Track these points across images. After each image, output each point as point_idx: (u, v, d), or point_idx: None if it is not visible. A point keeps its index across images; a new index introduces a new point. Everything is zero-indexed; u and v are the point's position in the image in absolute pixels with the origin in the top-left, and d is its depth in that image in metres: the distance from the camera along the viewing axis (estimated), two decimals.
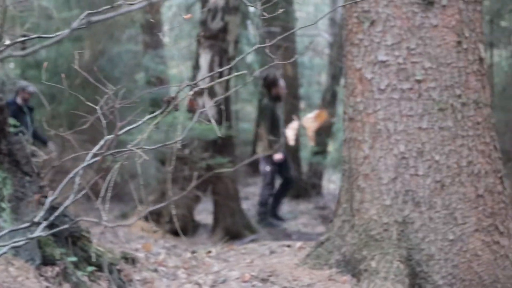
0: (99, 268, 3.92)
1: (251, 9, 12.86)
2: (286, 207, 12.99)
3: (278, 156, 10.19)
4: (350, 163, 4.29)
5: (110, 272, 3.89)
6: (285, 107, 13.96)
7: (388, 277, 3.86)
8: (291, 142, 10.18)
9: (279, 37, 3.26)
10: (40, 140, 9.87)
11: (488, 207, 4.13)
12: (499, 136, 10.77)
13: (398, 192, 4.06)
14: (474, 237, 4.08)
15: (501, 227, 4.17)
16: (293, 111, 13.80)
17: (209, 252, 5.36)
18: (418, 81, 4.03)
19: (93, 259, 3.89)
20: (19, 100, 9.57)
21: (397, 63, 4.05)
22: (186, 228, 9.62)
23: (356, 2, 4.08)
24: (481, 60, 4.18)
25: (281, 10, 3.19)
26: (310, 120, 9.60)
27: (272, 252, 4.85)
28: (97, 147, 2.39)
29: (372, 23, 4.10)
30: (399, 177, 4.06)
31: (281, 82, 10.63)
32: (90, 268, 3.88)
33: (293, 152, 14.08)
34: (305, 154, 14.96)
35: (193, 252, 5.46)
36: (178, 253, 5.90)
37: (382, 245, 4.01)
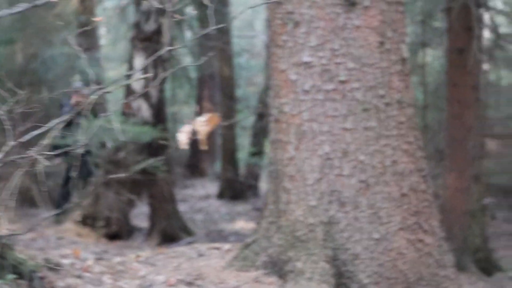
0: (20, 276, 3.87)
1: (187, 10, 12.84)
2: (223, 208, 13.06)
3: None
4: (276, 164, 4.35)
5: (31, 280, 3.84)
6: (221, 108, 14.04)
7: (314, 278, 3.94)
8: (183, 146, 10.10)
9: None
10: None
11: (412, 205, 4.25)
12: (433, 135, 11.08)
13: (323, 193, 4.13)
14: (398, 236, 4.19)
15: (425, 225, 4.30)
16: (229, 113, 13.88)
17: (139, 256, 5.35)
18: (342, 82, 4.11)
19: (14, 267, 3.84)
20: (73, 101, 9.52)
21: (321, 64, 4.13)
22: (121, 232, 9.58)
23: (279, 3, 4.15)
24: (403, 60, 4.29)
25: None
26: (202, 123, 9.55)
27: (200, 255, 4.87)
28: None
29: (296, 24, 4.16)
30: (324, 177, 4.14)
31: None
32: (10, 276, 3.82)
33: (230, 153, 14.17)
34: (242, 155, 15.04)
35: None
36: (107, 258, 5.87)
37: (308, 245, 4.08)
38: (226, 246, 5.11)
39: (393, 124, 4.20)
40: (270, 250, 4.27)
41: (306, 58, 4.14)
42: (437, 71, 11.64)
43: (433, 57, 12.51)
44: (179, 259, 4.84)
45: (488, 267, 8.48)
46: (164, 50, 5.60)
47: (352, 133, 4.13)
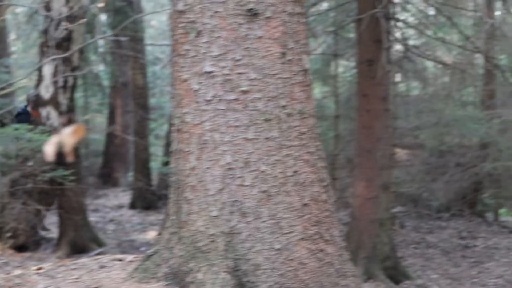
0: None
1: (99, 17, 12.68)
2: (135, 218, 12.93)
3: None
4: (177, 174, 4.33)
5: None
6: (135, 117, 13.90)
7: None
8: (50, 158, 9.99)
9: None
10: None
11: (314, 215, 4.30)
12: (345, 144, 11.27)
13: (225, 203, 4.13)
14: (300, 246, 4.23)
15: (326, 235, 4.35)
16: (142, 122, 13.76)
17: (40, 268, 5.22)
18: (244, 92, 4.12)
19: None
20: (30, 109, 9.38)
21: (223, 74, 4.13)
22: (29, 243, 9.37)
23: (181, 12, 4.14)
24: (305, 71, 4.34)
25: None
26: (68, 135, 9.50)
27: (101, 267, 4.79)
28: None
29: (198, 33, 4.15)
30: (226, 187, 4.14)
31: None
32: None
33: (142, 162, 14.03)
34: (155, 165, 14.93)
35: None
36: (7, 270, 5.71)
37: (209, 256, 4.07)
38: (129, 257, 5.05)
39: (295, 134, 4.24)
40: (171, 261, 4.24)
41: (208, 68, 4.13)
42: (349, 82, 11.88)
43: (345, 68, 12.77)
44: (80, 271, 4.75)
45: (396, 275, 8.66)
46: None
47: (253, 143, 4.14)
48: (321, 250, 4.31)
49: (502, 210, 14.29)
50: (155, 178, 14.84)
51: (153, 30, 18.42)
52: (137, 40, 13.16)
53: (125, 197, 15.08)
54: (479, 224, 12.96)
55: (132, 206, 13.93)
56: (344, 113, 11.31)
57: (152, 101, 16.33)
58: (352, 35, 11.17)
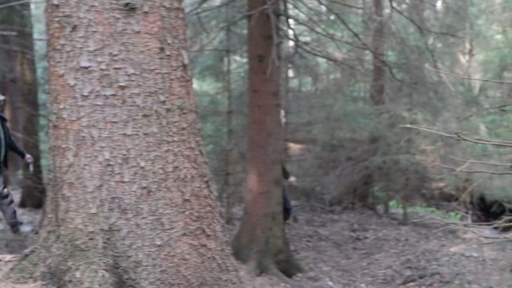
0: None
1: None
2: (25, 217, 12.57)
3: (293, 179, 9.77)
4: (55, 172, 4.25)
5: None
6: (23, 114, 13.51)
7: (92, 287, 3.88)
8: None
9: None
10: (17, 152, 9.11)
11: (195, 211, 4.32)
12: (238, 139, 11.32)
13: (104, 200, 4.09)
14: (181, 241, 4.24)
15: (208, 230, 4.38)
16: (31, 118, 13.40)
17: None
18: (122, 88, 4.09)
19: None
20: None
21: (100, 69, 4.08)
22: None
23: (57, 6, 4.06)
24: (184, 66, 4.35)
25: None
26: None
27: None
28: None
29: (74, 28, 4.08)
30: (105, 184, 4.10)
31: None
32: None
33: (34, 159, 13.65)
34: (46, 162, 14.53)
35: None
36: None
37: (87, 254, 4.02)
38: (7, 257, 4.92)
39: (175, 130, 4.25)
40: (49, 260, 4.16)
41: (84, 63, 4.08)
42: (242, 78, 11.95)
43: (238, 63, 12.83)
44: None
45: (289, 268, 8.77)
46: None
47: (132, 139, 4.12)
48: (203, 246, 4.34)
49: (391, 203, 14.73)
50: (46, 176, 14.48)
51: (42, 25, 17.89)
52: (25, 35, 12.79)
53: (15, 196, 14.63)
54: (370, 217, 13.31)
55: (22, 204, 13.53)
56: (237, 109, 11.37)
57: (43, 97, 15.86)
58: (245, 31, 11.23)
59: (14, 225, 9.25)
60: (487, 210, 14.63)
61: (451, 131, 10.71)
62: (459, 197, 14.36)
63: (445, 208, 15.45)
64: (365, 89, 14.32)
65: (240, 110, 11.16)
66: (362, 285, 8.62)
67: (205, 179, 4.42)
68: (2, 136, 8.49)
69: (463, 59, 17.68)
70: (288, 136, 12.74)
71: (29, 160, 9.09)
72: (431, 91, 11.42)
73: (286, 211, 9.43)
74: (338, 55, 11.93)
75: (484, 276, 8.51)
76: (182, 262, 4.22)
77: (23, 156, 9.10)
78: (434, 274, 8.90)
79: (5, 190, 8.64)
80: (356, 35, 9.60)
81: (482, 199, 14.91)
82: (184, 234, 4.25)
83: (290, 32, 10.25)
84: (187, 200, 4.28)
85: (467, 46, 17.99)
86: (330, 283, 8.54)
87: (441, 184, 15.24)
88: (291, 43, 10.61)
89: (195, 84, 16.59)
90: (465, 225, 5.62)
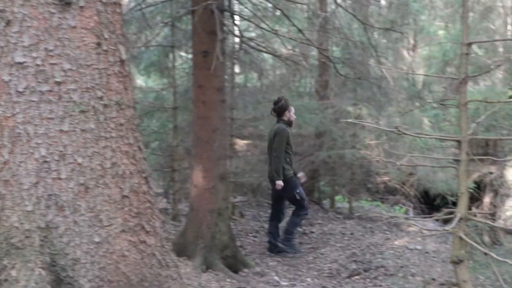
0: None
1: None
2: None
3: (302, 174, 10.06)
4: None
5: None
6: None
7: (29, 286, 3.84)
8: None
9: None
10: None
11: (134, 207, 4.31)
12: (183, 135, 11.26)
13: (40, 197, 4.06)
14: (120, 238, 4.22)
15: (147, 226, 4.37)
16: None
17: None
18: (58, 83, 4.06)
19: None
20: None
21: (35, 64, 4.04)
22: None
23: None
24: (122, 61, 4.33)
25: None
26: None
27: None
28: None
29: (8, 23, 4.03)
30: (41, 181, 4.06)
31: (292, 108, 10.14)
32: None
33: None
34: None
35: None
36: None
37: (24, 252, 3.97)
38: None
39: (112, 125, 4.23)
40: None
41: (19, 59, 4.03)
42: (187, 73, 11.90)
43: (183, 59, 12.77)
44: None
45: (235, 264, 8.76)
46: None
47: (69, 136, 4.09)
48: (142, 242, 4.33)
49: (337, 197, 14.85)
50: None
51: None
52: None
53: None
54: (316, 211, 13.38)
55: None
56: (183, 105, 11.32)
57: None
58: (189, 26, 11.18)
59: None
60: (431, 203, 14.89)
61: (394, 125, 10.88)
62: (403, 190, 14.57)
63: (390, 202, 15.65)
64: (311, 85, 14.39)
65: (185, 106, 11.12)
66: (308, 279, 8.69)
67: (143, 175, 4.41)
68: None
69: (407, 54, 17.97)
70: (234, 132, 12.72)
71: None
72: (375, 86, 11.55)
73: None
74: (284, 50, 11.97)
75: (427, 268, 8.65)
76: (121, 259, 4.21)
77: None
78: (379, 267, 9.01)
79: None
80: (300, 30, 9.65)
81: (426, 192, 15.16)
82: (123, 231, 4.23)
83: (234, 28, 10.25)
84: (126, 196, 4.27)
85: (411, 41, 18.31)
86: (276, 278, 8.58)
87: (386, 178, 15.42)
88: (237, 39, 10.59)
89: (140, 80, 16.50)
90: (406, 218, 5.74)
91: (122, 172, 4.25)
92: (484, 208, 15.11)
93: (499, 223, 13.74)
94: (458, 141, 5.08)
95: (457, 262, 5.04)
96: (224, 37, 8.87)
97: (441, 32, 18.51)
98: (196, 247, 8.37)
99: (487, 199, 15.29)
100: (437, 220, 8.80)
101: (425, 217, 7.32)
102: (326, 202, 14.47)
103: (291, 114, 10.07)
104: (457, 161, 5.34)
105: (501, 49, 16.49)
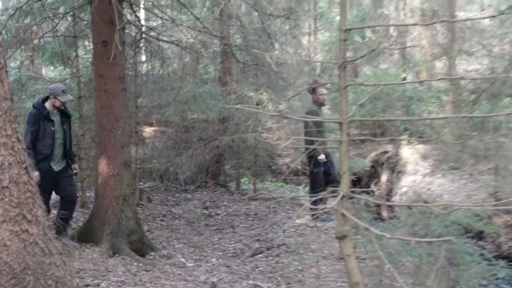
0: None
1: None
2: None
3: (322, 157, 9.98)
4: None
5: None
6: None
7: None
8: None
9: None
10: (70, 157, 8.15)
11: (15, 197, 4.21)
12: (88, 124, 11.06)
13: None
14: (1, 228, 4.13)
15: (29, 215, 4.28)
16: None
17: None
18: None
19: None
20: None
21: None
22: None
23: None
24: None
25: None
26: None
27: None
28: None
29: None
30: None
31: (322, 89, 10.06)
32: None
33: None
34: None
35: None
36: None
37: None
38: None
39: None
40: None
41: None
42: (91, 63, 11.71)
43: (87, 49, 12.55)
44: None
45: (142, 248, 8.74)
46: None
47: None
48: (24, 231, 4.24)
49: (243, 179, 14.95)
50: None
51: None
52: None
53: None
54: (222, 194, 13.46)
55: None
56: (87, 94, 11.14)
57: None
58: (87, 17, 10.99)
59: None
60: (329, 182, 15.14)
61: (293, 110, 10.97)
62: (304, 171, 14.76)
63: (294, 183, 15.87)
64: (214, 72, 14.40)
65: (90, 96, 10.94)
66: (213, 259, 8.73)
67: (23, 165, 4.31)
68: (60, 136, 7.97)
69: (307, 40, 18.20)
70: (141, 119, 12.63)
71: (74, 171, 8.39)
72: (274, 72, 11.63)
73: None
74: (188, 39, 11.91)
75: (326, 245, 8.83)
76: (3, 248, 4.11)
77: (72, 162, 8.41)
78: (281, 245, 9.15)
79: None
80: (198, 19, 9.62)
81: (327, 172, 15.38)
82: (4, 221, 4.13)
83: (137, 17, 10.12)
84: (6, 187, 4.17)
85: (311, 28, 18.55)
86: (182, 259, 8.59)
87: (288, 160, 15.62)
88: (136, 28, 10.44)
89: (44, 70, 16.13)
90: (291, 198, 5.81)
91: (1, 163, 4.14)
92: (382, 185, 15.52)
93: (396, 199, 14.15)
94: (340, 123, 5.15)
95: (341, 238, 5.12)
96: (123, 27, 8.77)
97: (338, 18, 18.80)
98: (102, 233, 8.30)
99: (384, 177, 15.69)
100: (327, 198, 9.00)
101: (312, 196, 7.43)
102: (231, 185, 14.55)
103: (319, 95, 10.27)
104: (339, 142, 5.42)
105: (395, 34, 16.92)
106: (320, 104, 10.36)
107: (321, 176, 10.35)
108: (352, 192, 5.21)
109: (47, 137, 7.81)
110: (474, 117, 6.50)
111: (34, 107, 7.90)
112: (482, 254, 5.32)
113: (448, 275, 5.21)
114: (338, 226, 5.17)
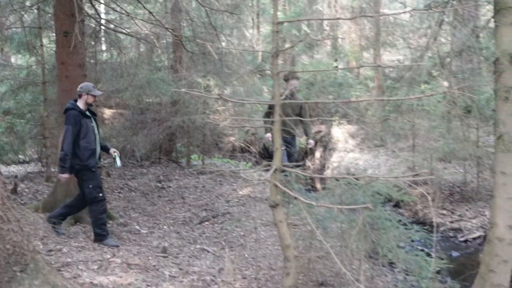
0: None
1: None
2: None
3: (268, 135, 8.94)
4: None
5: None
6: None
7: None
8: None
9: None
10: (103, 148, 7.63)
11: None
12: (52, 106, 10.90)
13: None
14: None
15: None
16: None
17: None
18: None
19: None
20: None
21: None
22: None
23: None
24: None
25: None
26: None
27: None
28: None
29: None
30: None
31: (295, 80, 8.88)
32: None
33: None
34: None
35: None
36: None
37: None
38: None
39: None
40: None
41: None
42: (55, 51, 11.59)
43: (51, 39, 12.41)
44: None
45: None
46: None
47: None
48: None
49: (193, 156, 15.02)
50: None
51: None
52: None
53: None
54: (174, 169, 13.50)
55: None
56: (52, 80, 11.05)
57: None
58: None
59: None
60: (271, 157, 15.36)
61: (237, 94, 11.03)
62: (248, 148, 14.94)
63: (239, 159, 16.02)
64: (167, 60, 14.38)
65: (54, 81, 10.86)
66: (165, 227, 8.80)
67: None
68: (97, 131, 7.49)
69: (250, 33, 18.30)
70: (101, 102, 12.56)
71: (115, 154, 7.74)
72: (219, 60, 11.72)
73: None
74: (143, 31, 11.90)
75: (265, 213, 8.99)
76: None
77: (107, 151, 7.78)
78: (225, 214, 9.28)
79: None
80: (151, 13, 9.61)
81: (266, 149, 15.65)
82: None
83: (96, 10, 10.04)
84: None
85: (254, 22, 18.64)
86: (137, 227, 8.64)
87: (232, 139, 15.75)
88: (95, 20, 10.37)
89: (13, 58, 15.85)
90: (231, 171, 5.90)
91: None
92: (316, 161, 15.77)
93: (328, 172, 14.42)
94: (273, 105, 5.27)
95: (274, 206, 5.24)
96: (83, 19, 8.72)
97: (279, 14, 18.93)
98: (65, 204, 8.25)
99: (318, 153, 15.95)
100: (266, 171, 9.11)
101: (249, 169, 7.58)
102: (182, 161, 14.60)
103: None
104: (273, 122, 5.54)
105: (327, 28, 17.14)
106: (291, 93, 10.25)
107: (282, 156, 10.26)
108: (284, 165, 5.34)
109: (90, 133, 7.30)
110: (390, 100, 6.68)
111: (71, 108, 7.34)
112: (400, 220, 5.46)
113: (370, 238, 5.37)
114: (271, 195, 5.29)
